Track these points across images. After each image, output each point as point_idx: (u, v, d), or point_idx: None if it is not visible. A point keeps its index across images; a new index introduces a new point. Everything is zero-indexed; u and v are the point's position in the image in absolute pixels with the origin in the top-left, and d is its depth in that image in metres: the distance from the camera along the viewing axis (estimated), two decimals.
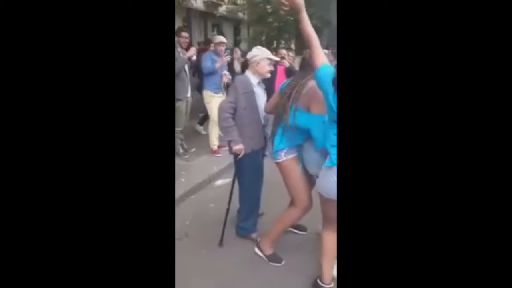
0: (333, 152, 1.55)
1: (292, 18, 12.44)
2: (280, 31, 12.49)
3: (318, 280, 1.86)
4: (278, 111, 2.08)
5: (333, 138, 1.54)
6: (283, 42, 12.10)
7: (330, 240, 1.78)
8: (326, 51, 2.02)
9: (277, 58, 2.49)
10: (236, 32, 14.01)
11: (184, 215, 2.74)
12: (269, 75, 2.34)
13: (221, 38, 4.06)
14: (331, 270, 1.84)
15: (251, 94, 2.21)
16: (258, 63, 2.24)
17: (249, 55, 2.36)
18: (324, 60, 1.58)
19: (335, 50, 1.94)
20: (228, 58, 4.11)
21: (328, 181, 1.59)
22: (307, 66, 1.96)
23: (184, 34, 3.77)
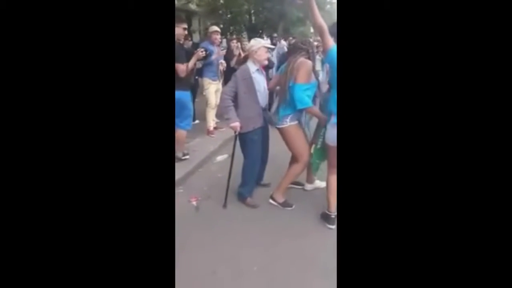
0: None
1: (245, 9, 12.89)
2: (232, 22, 12.92)
3: (326, 211, 2.51)
4: (281, 89, 2.63)
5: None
6: (235, 32, 12.53)
7: (335, 181, 2.41)
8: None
9: (272, 47, 2.97)
10: (188, 23, 14.15)
11: (199, 184, 3.26)
12: (266, 62, 2.78)
13: (215, 28, 4.54)
14: (335, 203, 2.48)
15: (249, 80, 2.59)
16: (256, 51, 2.61)
17: (248, 46, 2.84)
18: (332, 43, 2.18)
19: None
20: (224, 51, 4.58)
21: (334, 134, 2.21)
22: (295, 49, 2.62)
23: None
